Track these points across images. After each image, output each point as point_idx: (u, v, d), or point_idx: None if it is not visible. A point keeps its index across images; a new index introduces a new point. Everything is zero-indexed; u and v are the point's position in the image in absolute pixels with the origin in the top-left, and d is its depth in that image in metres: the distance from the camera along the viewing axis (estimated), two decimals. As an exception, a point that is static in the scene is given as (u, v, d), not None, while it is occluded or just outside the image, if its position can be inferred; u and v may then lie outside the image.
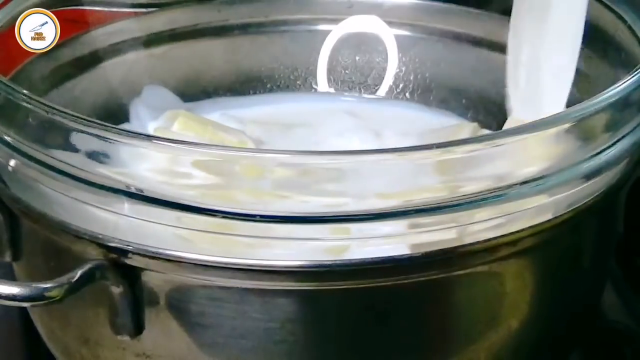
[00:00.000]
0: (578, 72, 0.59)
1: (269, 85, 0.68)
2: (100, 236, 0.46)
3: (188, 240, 0.45)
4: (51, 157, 0.46)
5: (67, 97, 0.61)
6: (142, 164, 0.45)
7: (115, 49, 0.65)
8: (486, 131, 0.62)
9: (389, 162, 0.45)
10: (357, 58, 0.68)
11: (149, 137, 0.47)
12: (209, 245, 0.45)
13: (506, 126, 0.58)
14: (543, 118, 0.47)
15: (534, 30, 0.58)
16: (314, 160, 0.45)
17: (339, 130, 0.62)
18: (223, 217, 0.44)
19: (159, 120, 0.62)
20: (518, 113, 0.59)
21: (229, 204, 0.44)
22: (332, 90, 0.69)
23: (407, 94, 0.67)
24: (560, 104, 0.56)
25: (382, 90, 0.68)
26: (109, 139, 0.45)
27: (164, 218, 0.45)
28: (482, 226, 0.46)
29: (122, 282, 0.46)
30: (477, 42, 0.63)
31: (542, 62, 0.57)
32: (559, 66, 0.57)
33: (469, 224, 0.46)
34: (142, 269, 0.46)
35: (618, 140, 0.48)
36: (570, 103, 0.58)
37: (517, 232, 0.46)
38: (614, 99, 0.48)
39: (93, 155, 0.46)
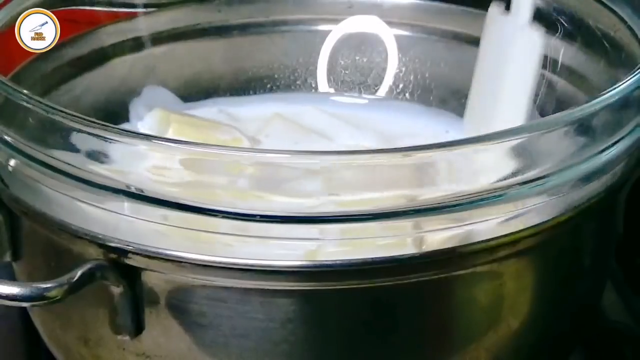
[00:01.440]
0: (578, 73, 0.59)
1: (269, 85, 0.68)
2: (100, 236, 0.46)
3: (166, 235, 0.45)
4: (51, 156, 0.46)
5: (67, 97, 0.61)
6: (140, 164, 0.45)
7: (115, 49, 0.65)
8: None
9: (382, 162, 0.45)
10: (357, 58, 0.68)
11: (148, 137, 0.47)
12: (186, 242, 0.45)
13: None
14: (543, 119, 0.47)
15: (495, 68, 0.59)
16: (293, 160, 0.45)
17: (339, 131, 0.63)
18: (223, 217, 0.44)
19: (145, 120, 0.62)
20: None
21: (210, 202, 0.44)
22: (332, 90, 0.69)
23: (407, 94, 0.67)
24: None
25: (382, 91, 0.68)
26: (108, 138, 0.45)
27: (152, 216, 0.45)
28: (482, 226, 0.46)
29: (122, 282, 0.46)
30: (477, 42, 0.63)
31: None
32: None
33: (469, 224, 0.46)
34: (142, 269, 0.46)
35: (618, 141, 0.48)
36: (570, 103, 0.58)
37: (517, 232, 0.46)
38: (613, 100, 0.48)
39: (93, 155, 0.46)
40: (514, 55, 0.58)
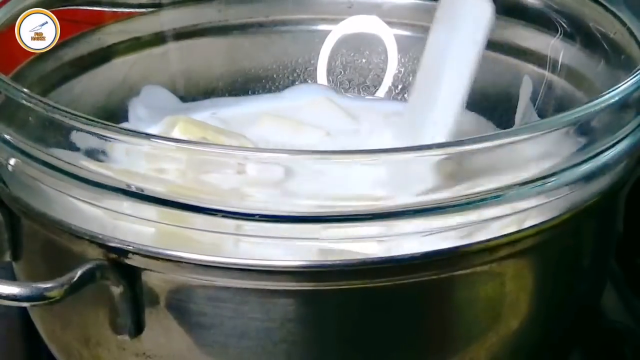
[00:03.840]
0: (578, 74, 0.59)
1: (268, 85, 0.68)
2: (100, 236, 0.46)
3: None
4: (51, 155, 0.46)
5: (67, 97, 0.61)
6: (140, 163, 0.45)
7: (115, 49, 0.65)
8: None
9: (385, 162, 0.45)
10: (356, 58, 0.68)
11: (148, 136, 0.47)
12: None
13: None
14: (543, 119, 0.47)
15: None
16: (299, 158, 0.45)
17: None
18: (223, 216, 0.44)
19: (158, 125, 0.62)
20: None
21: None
22: (331, 91, 0.69)
23: (407, 95, 0.67)
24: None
25: (382, 91, 0.68)
26: (108, 137, 0.45)
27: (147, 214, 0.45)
28: (482, 226, 0.46)
29: (122, 282, 0.46)
30: (477, 42, 0.63)
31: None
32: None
33: (469, 225, 0.46)
34: (142, 269, 0.46)
35: (618, 142, 0.48)
36: (570, 104, 0.58)
37: (517, 232, 0.47)
38: (613, 100, 0.48)
39: (93, 154, 0.46)
40: (462, 26, 0.57)
